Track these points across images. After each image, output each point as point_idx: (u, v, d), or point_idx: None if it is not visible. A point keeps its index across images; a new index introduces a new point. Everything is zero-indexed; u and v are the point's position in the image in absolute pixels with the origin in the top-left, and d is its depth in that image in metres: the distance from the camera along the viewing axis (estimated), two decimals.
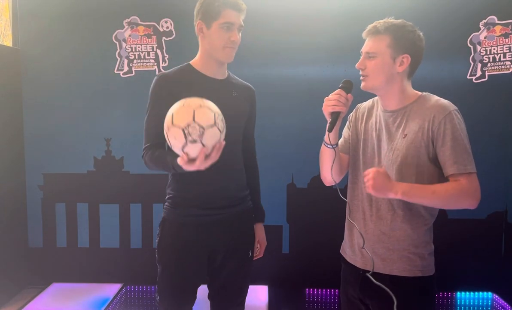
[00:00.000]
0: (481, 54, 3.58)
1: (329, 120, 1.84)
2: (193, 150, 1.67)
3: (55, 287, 3.76)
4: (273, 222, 3.82)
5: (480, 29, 3.56)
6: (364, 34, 1.80)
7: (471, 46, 3.59)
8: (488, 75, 3.58)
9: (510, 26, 3.47)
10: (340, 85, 1.83)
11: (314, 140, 3.70)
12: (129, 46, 3.71)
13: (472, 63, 3.60)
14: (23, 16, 3.74)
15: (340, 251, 2.04)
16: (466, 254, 3.74)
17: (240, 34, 2.06)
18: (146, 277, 3.84)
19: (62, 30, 3.72)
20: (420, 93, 1.83)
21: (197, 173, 1.76)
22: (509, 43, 3.48)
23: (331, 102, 1.82)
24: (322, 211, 3.76)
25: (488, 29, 3.54)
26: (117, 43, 3.71)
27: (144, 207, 3.85)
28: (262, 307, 3.52)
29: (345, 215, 2.03)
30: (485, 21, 3.55)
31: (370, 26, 1.78)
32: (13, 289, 3.71)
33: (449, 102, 1.77)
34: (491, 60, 3.55)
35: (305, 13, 3.67)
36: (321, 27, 3.67)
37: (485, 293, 3.74)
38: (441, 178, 1.74)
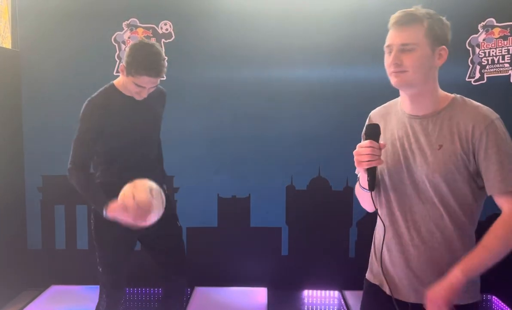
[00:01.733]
0: (480, 56, 3.58)
1: (367, 177, 1.57)
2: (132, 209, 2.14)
3: (54, 290, 3.76)
4: (272, 224, 3.83)
5: (478, 31, 3.57)
6: (394, 24, 1.54)
7: (470, 49, 3.60)
8: (486, 77, 3.58)
9: (508, 29, 3.48)
10: (365, 132, 1.58)
11: (313, 142, 3.74)
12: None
13: (471, 65, 3.61)
14: (22, 18, 3.74)
15: (372, 280, 1.75)
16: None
17: (163, 74, 2.30)
18: (145, 279, 3.84)
19: (61, 32, 3.72)
20: (452, 95, 1.60)
21: (123, 173, 2.29)
22: (507, 45, 3.48)
23: (364, 157, 1.52)
24: (321, 213, 3.76)
25: (487, 31, 3.55)
26: (116, 45, 3.71)
27: None
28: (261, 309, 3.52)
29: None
30: (483, 23, 3.55)
31: (402, 14, 1.54)
32: (12, 292, 3.70)
33: (490, 109, 1.54)
34: (489, 63, 3.56)
35: (304, 15, 3.68)
36: (320, 29, 3.67)
37: (484, 295, 3.73)
38: (478, 196, 1.56)
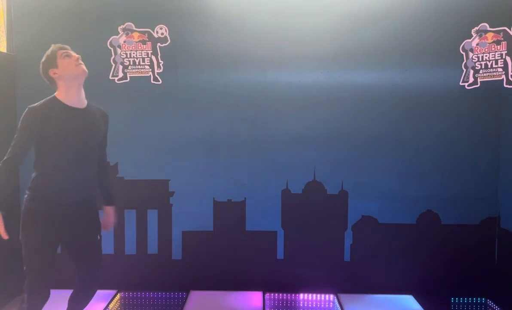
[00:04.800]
0: (473, 61, 3.61)
1: None
2: None
3: (50, 293, 3.73)
4: (268, 228, 3.83)
5: (472, 36, 3.60)
6: None
7: (463, 53, 3.63)
8: (480, 81, 3.61)
9: (501, 34, 3.51)
10: None
11: (308, 146, 3.75)
12: (124, 52, 3.72)
13: (465, 70, 3.63)
14: (18, 22, 3.74)
15: None
16: (459, 259, 3.76)
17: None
18: (141, 283, 3.83)
19: (57, 36, 3.71)
20: None
21: (61, 181, 2.50)
22: (500, 50, 3.51)
23: None
24: (317, 217, 3.77)
25: (480, 36, 3.58)
26: (111, 49, 3.72)
27: (139, 212, 3.85)
28: None
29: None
30: (477, 28, 3.58)
31: None
32: (7, 296, 3.68)
33: None
34: (483, 67, 3.59)
35: (300, 21, 3.70)
36: (315, 34, 3.70)
37: (479, 298, 3.75)
38: None
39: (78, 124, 2.53)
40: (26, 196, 2.58)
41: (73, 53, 2.58)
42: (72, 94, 2.54)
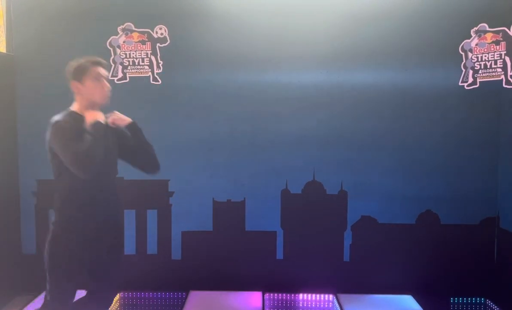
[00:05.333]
0: (473, 61, 3.61)
1: None
2: None
3: None
4: (267, 228, 3.83)
5: (471, 36, 3.61)
6: None
7: (463, 53, 3.63)
8: (479, 81, 3.62)
9: (501, 34, 3.51)
10: None
11: (308, 146, 3.75)
12: (124, 52, 3.72)
13: (464, 70, 3.64)
14: (17, 22, 3.74)
15: None
16: (459, 259, 3.77)
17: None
18: (141, 283, 3.83)
19: (57, 36, 3.72)
20: None
21: (86, 196, 2.35)
22: (500, 50, 3.52)
23: None
24: (316, 217, 3.77)
25: (479, 36, 3.58)
26: (111, 49, 3.72)
27: (138, 212, 3.85)
28: None
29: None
30: (476, 28, 3.59)
31: None
32: (6, 296, 3.68)
33: None
34: (482, 67, 3.59)
35: (300, 21, 3.70)
36: (315, 34, 3.70)
37: (478, 298, 3.76)
38: None
39: (102, 138, 2.34)
40: (52, 226, 2.39)
41: (106, 81, 2.41)
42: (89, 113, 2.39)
